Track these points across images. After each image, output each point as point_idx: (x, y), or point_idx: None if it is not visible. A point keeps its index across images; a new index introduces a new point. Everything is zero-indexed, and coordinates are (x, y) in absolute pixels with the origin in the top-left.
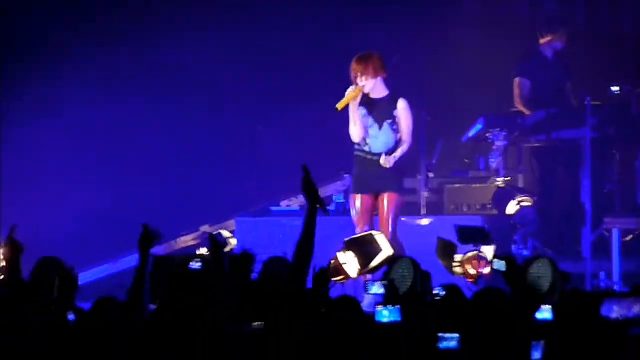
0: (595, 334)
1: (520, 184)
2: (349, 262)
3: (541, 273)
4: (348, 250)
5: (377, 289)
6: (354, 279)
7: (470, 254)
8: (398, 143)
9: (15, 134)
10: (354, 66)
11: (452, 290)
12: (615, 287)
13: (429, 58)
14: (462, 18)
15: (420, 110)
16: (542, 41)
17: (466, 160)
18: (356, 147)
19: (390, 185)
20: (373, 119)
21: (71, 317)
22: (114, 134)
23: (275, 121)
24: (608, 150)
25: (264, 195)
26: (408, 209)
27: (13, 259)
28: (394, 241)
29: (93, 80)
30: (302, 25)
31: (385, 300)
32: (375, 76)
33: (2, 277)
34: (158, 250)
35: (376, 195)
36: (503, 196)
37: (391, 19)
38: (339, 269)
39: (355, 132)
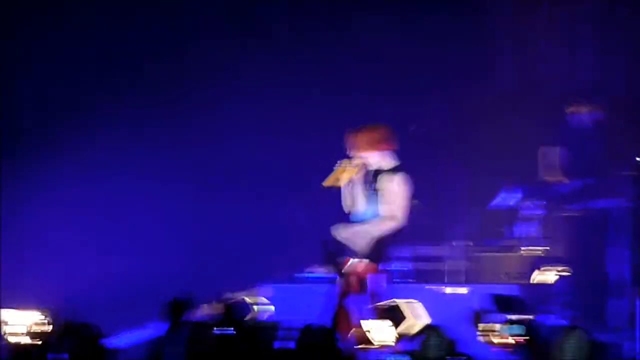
0: None
1: (553, 254)
2: (374, 330)
3: (576, 343)
4: (373, 318)
5: None
6: (378, 347)
7: (505, 323)
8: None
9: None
10: (350, 138)
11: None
12: None
13: (460, 124)
14: (495, 84)
15: (446, 175)
16: (574, 110)
17: (500, 229)
18: None
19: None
20: (365, 191)
21: None
22: (137, 206)
23: (297, 187)
24: None
25: (295, 262)
26: (436, 276)
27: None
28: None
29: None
30: (321, 95)
31: None
32: (372, 149)
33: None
34: (187, 316)
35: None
36: (535, 265)
37: (417, 88)
38: (362, 337)
39: (345, 202)
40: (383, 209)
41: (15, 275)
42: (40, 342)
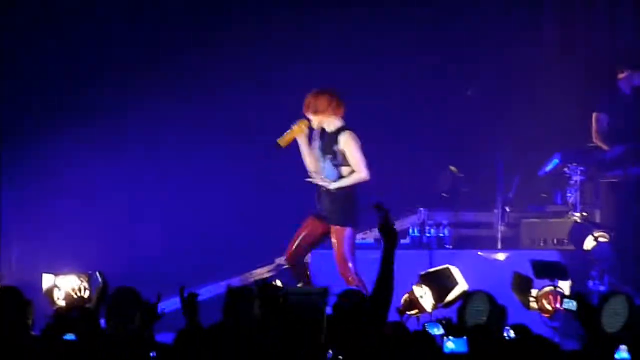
0: None
1: (597, 219)
2: (425, 295)
3: (618, 309)
4: (423, 283)
5: (437, 330)
6: (429, 313)
7: (546, 289)
8: (342, 178)
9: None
10: (305, 100)
11: (521, 330)
12: None
13: (506, 91)
14: (540, 52)
15: (496, 144)
16: (620, 76)
17: (543, 195)
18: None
19: (334, 218)
20: (320, 152)
21: (153, 354)
22: (190, 174)
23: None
24: None
25: None
26: (484, 243)
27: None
28: (345, 274)
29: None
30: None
31: (449, 332)
32: (322, 113)
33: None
34: (233, 281)
35: (327, 226)
36: (580, 231)
37: (468, 52)
38: (414, 303)
39: (307, 164)
40: (344, 169)
41: (55, 239)
42: (81, 307)
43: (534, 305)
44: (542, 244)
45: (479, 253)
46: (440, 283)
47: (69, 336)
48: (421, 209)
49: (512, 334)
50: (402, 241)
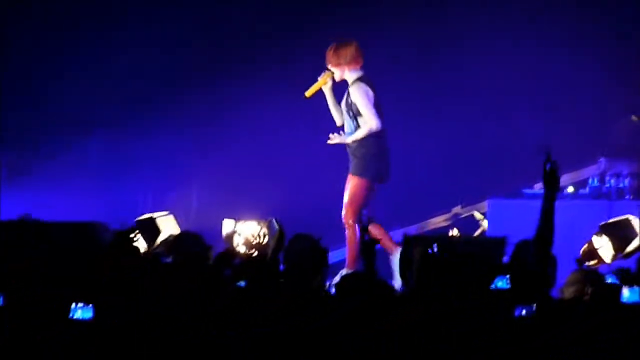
0: None
1: None
2: (604, 246)
3: None
4: (603, 234)
5: (611, 280)
6: (608, 264)
7: None
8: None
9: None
10: (327, 53)
11: None
12: None
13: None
14: None
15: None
16: None
17: None
18: None
19: (352, 168)
20: (344, 104)
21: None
22: None
23: (530, 102)
24: None
25: (518, 178)
26: None
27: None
28: (346, 217)
29: None
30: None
31: (626, 282)
32: (344, 65)
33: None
34: (410, 230)
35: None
36: None
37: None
38: (593, 253)
39: (334, 117)
40: (360, 120)
41: (236, 186)
42: (259, 254)
43: None
44: None
45: None
46: (620, 234)
47: (241, 282)
48: (601, 158)
49: None
50: (581, 191)
